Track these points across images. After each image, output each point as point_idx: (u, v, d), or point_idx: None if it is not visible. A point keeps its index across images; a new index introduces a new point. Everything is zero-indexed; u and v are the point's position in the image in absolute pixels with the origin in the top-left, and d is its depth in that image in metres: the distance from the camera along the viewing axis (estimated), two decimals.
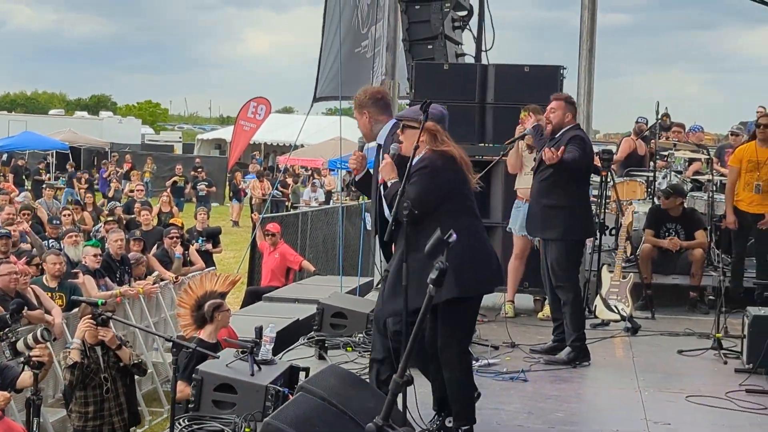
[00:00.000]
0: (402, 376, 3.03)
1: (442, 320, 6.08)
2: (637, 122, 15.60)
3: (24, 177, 38.71)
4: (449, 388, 6.32)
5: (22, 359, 7.41)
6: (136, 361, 8.67)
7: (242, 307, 13.52)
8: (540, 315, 10.42)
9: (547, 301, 10.39)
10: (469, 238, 5.89)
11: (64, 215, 18.29)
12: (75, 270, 12.30)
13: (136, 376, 9.17)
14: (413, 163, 6.10)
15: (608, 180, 11.36)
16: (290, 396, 6.05)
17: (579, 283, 9.05)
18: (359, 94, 7.15)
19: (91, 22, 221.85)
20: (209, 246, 17.07)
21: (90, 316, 8.27)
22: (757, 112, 13.03)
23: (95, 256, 12.77)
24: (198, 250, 16.59)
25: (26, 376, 7.53)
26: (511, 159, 10.09)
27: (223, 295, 8.49)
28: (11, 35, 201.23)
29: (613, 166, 12.13)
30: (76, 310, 11.01)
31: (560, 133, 8.55)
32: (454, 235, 3.02)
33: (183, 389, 7.18)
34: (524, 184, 10.06)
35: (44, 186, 27.71)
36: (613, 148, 14.97)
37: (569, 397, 7.57)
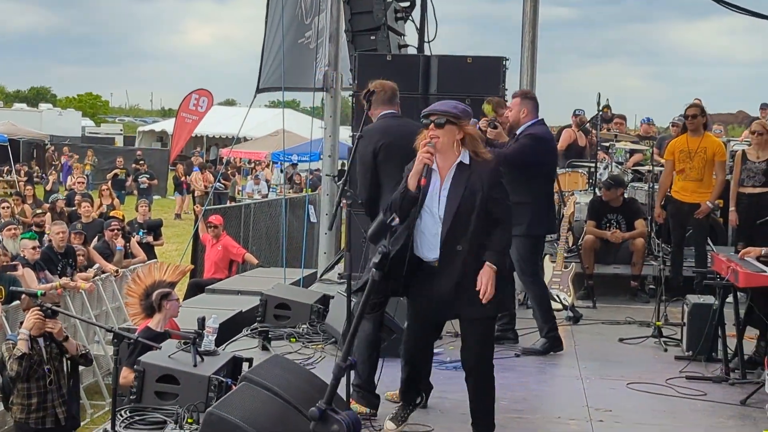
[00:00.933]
0: (345, 360, 3.03)
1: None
2: (575, 114, 15.75)
3: None
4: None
5: None
6: (83, 352, 8.61)
7: (185, 299, 13.43)
8: None
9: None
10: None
11: (3, 207, 18.05)
12: (14, 262, 12.14)
13: (79, 368, 9.11)
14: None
15: None
16: (233, 386, 6.02)
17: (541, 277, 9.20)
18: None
19: (31, 14, 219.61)
20: (150, 238, 16.93)
21: (38, 308, 8.18)
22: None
23: (33, 248, 12.62)
24: (139, 243, 16.47)
25: None
26: None
27: (172, 285, 8.47)
28: None
29: None
30: (16, 302, 10.90)
31: (519, 130, 8.60)
32: (397, 219, 3.02)
33: (127, 375, 7.15)
34: None
35: None
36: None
37: (513, 386, 7.60)
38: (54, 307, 8.09)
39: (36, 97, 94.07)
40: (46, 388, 8.16)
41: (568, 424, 6.69)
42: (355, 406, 6.91)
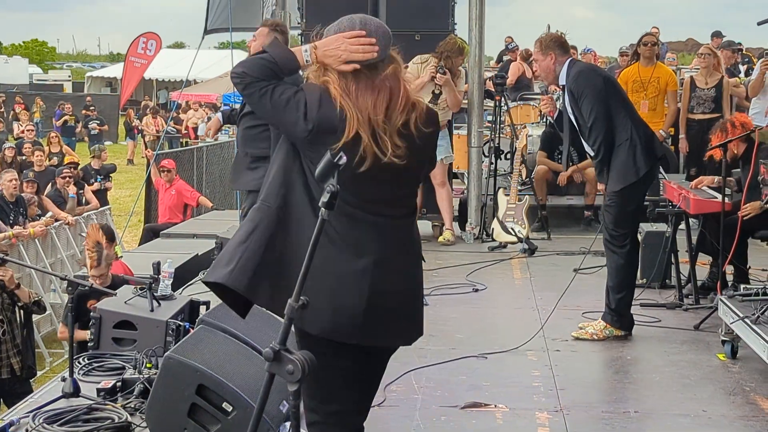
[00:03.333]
0: (297, 300, 3.01)
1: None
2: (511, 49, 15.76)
3: None
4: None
5: None
6: (35, 299, 8.57)
7: (140, 244, 13.38)
8: (440, 239, 10.50)
9: (444, 227, 10.51)
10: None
11: None
12: None
13: (33, 317, 9.07)
14: None
15: (502, 105, 11.45)
16: (191, 330, 6.00)
17: None
18: (544, 37, 7.24)
19: None
20: (109, 185, 16.80)
21: None
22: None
23: None
24: (98, 190, 16.39)
25: None
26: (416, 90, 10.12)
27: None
28: None
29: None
30: None
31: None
32: (344, 158, 2.99)
33: (63, 331, 7.13)
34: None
35: None
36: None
37: (470, 319, 7.67)
38: (4, 256, 8.02)
39: None
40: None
41: (525, 354, 6.73)
42: (609, 329, 7.01)
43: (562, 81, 7.11)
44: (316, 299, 3.29)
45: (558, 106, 7.64)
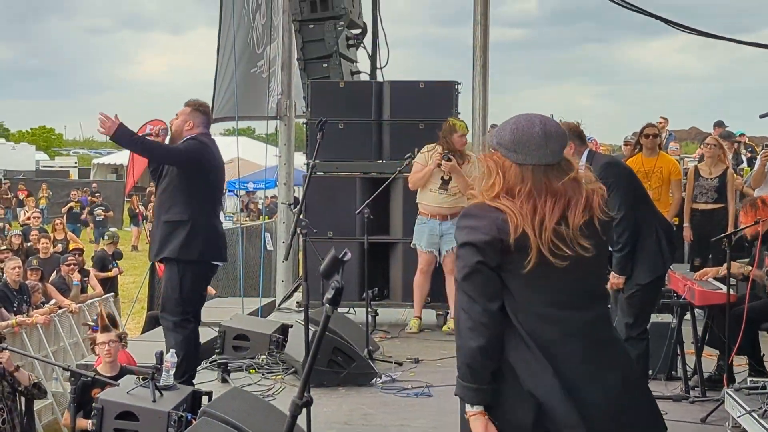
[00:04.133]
0: (301, 398, 2.98)
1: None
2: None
3: None
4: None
5: None
6: (35, 381, 8.52)
7: (143, 332, 13.33)
8: (444, 329, 10.44)
9: (449, 316, 10.44)
10: None
11: None
12: None
13: (35, 405, 9.01)
14: None
15: None
16: (194, 421, 5.96)
17: None
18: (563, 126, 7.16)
19: None
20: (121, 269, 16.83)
21: None
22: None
23: None
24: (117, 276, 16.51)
25: None
26: (419, 174, 10.12)
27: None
28: None
29: None
30: None
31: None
32: (349, 254, 2.98)
33: (67, 418, 7.07)
34: (428, 200, 10.11)
35: None
36: None
37: None
38: (6, 346, 8.04)
39: None
40: None
41: None
42: None
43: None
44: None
45: None
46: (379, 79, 12.22)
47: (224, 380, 8.23)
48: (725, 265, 7.75)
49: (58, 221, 23.00)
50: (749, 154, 16.29)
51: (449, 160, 9.95)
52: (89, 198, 36.50)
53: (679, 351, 8.21)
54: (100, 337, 8.03)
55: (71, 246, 18.90)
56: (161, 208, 7.82)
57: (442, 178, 10.04)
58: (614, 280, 7.01)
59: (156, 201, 7.99)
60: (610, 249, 6.85)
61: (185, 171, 7.60)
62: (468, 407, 3.41)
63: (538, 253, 3.32)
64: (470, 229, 3.44)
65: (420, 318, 10.53)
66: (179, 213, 7.63)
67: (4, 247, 17.43)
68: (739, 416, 6.40)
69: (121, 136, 7.47)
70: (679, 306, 8.17)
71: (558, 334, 3.40)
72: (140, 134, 7.94)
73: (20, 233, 20.28)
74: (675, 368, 8.34)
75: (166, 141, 8.00)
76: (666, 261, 7.04)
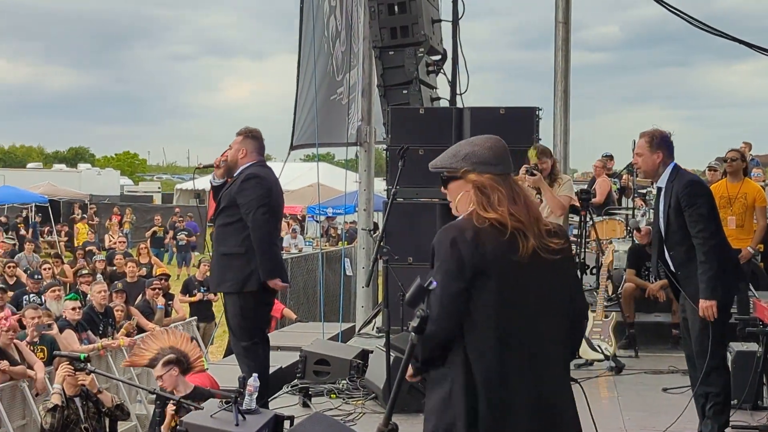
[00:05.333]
0: (386, 425, 2.98)
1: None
2: (603, 157, 15.65)
3: (5, 231, 38.58)
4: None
5: None
6: (117, 403, 8.64)
7: (225, 356, 13.44)
8: None
9: None
10: None
11: (44, 269, 18.23)
12: (49, 322, 12.19)
13: (119, 423, 9.12)
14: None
15: (588, 219, 11.39)
16: None
17: None
18: (655, 133, 7.14)
19: (68, 75, 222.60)
20: (211, 296, 16.98)
21: (67, 362, 8.25)
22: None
23: (74, 309, 12.72)
24: (200, 300, 16.64)
25: None
26: None
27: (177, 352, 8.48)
28: None
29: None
30: None
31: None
32: (434, 283, 2.99)
33: None
34: None
35: (26, 240, 27.63)
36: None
37: None
38: (92, 369, 8.16)
39: (75, 157, 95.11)
40: None
41: None
42: None
43: (662, 183, 7.07)
44: None
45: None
46: (459, 105, 12.20)
47: (305, 405, 8.27)
48: None
49: (143, 246, 23.34)
50: None
51: (533, 174, 9.92)
52: (175, 221, 36.98)
53: (765, 380, 8.08)
54: (154, 371, 8.16)
55: (157, 271, 19.18)
56: (218, 241, 7.92)
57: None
58: (705, 304, 6.76)
59: (214, 233, 8.06)
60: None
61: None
62: None
63: None
64: None
65: None
66: (236, 245, 7.71)
67: (86, 272, 17.74)
68: None
69: (274, 267, 7.77)
70: (765, 335, 8.03)
71: None
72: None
73: (104, 258, 20.63)
74: (761, 398, 8.19)
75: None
76: (732, 288, 6.93)
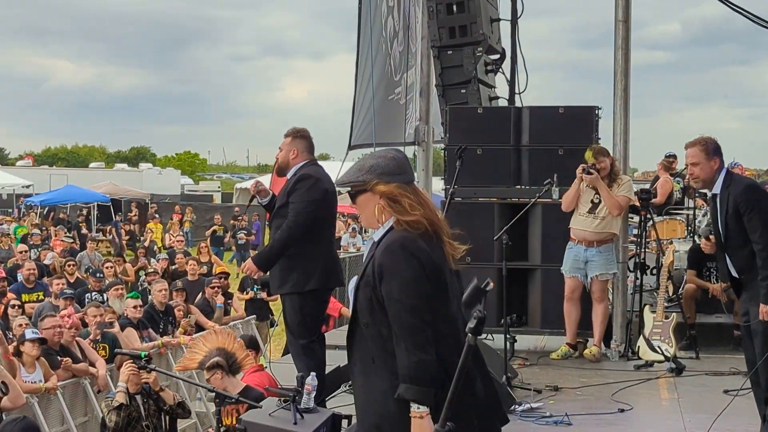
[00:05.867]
0: (443, 426, 2.99)
1: None
2: (666, 157, 15.47)
3: (67, 230, 39.12)
4: None
5: None
6: (179, 401, 8.74)
7: (284, 354, 13.50)
8: (586, 353, 10.31)
9: (592, 339, 10.27)
10: None
11: (107, 268, 18.44)
12: (110, 320, 12.33)
13: (179, 424, 9.21)
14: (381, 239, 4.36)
15: (648, 219, 11.29)
16: None
17: None
18: (708, 140, 7.11)
19: (130, 75, 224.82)
20: (264, 294, 17.03)
21: (131, 361, 8.37)
22: None
23: (135, 307, 12.86)
24: (253, 299, 16.70)
25: None
26: (569, 196, 10.18)
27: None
28: (54, 90, 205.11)
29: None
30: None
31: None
32: (491, 284, 2.99)
33: None
34: (577, 224, 10.08)
35: (89, 239, 27.93)
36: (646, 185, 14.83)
37: None
38: (152, 367, 8.29)
39: (136, 157, 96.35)
40: None
41: None
42: None
43: (717, 189, 7.04)
44: None
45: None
46: (518, 104, 12.16)
47: None
48: None
49: (203, 245, 23.53)
50: None
51: (590, 173, 9.89)
52: (231, 222, 37.24)
53: None
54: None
55: (216, 269, 19.32)
56: None
57: (592, 201, 10.01)
58: (766, 309, 6.75)
59: (270, 235, 8.08)
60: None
61: None
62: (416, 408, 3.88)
63: None
64: None
65: (571, 345, 10.42)
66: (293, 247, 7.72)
67: (151, 270, 17.93)
68: None
69: (268, 262, 7.77)
70: None
71: None
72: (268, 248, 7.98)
73: (167, 257, 20.82)
74: None
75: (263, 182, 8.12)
76: None
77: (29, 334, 10.53)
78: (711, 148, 6.98)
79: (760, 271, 6.74)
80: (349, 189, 4.30)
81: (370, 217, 4.26)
